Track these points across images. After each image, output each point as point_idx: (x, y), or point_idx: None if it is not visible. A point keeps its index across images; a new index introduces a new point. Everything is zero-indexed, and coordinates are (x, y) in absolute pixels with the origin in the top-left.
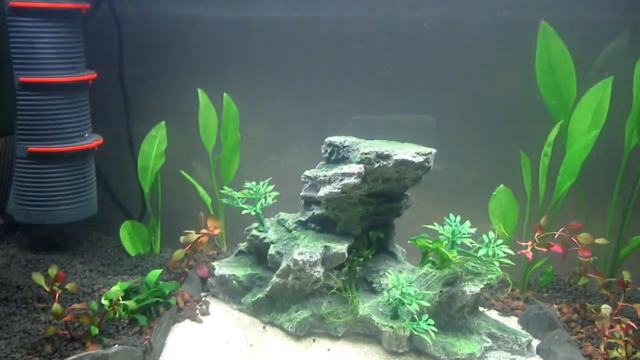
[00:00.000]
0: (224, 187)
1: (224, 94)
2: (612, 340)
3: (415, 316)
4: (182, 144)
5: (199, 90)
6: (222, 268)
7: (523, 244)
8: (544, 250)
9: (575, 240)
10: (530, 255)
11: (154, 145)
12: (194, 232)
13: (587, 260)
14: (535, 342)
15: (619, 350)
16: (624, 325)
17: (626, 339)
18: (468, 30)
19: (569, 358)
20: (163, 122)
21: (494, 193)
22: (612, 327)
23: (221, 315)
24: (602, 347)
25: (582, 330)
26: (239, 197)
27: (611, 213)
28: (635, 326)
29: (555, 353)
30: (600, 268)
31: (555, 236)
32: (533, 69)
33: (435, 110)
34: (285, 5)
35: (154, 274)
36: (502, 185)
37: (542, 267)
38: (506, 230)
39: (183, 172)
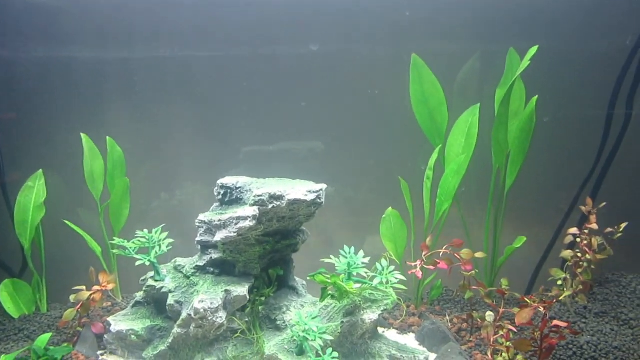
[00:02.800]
0: (115, 238)
1: (107, 138)
2: (499, 347)
3: (320, 351)
4: (66, 191)
5: (83, 135)
6: (119, 323)
7: (412, 264)
8: (432, 268)
9: (457, 256)
10: (420, 274)
11: (32, 197)
12: (84, 288)
13: (470, 273)
14: (432, 357)
15: (503, 354)
16: (505, 331)
17: (508, 344)
18: (351, 63)
19: None
20: (40, 171)
21: (384, 216)
22: (496, 333)
23: None
24: (489, 354)
25: (471, 339)
26: (131, 247)
27: (487, 227)
28: (515, 329)
29: None
30: (482, 278)
31: (441, 254)
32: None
33: (324, 137)
34: (170, 45)
35: (43, 339)
36: (390, 208)
37: (432, 281)
38: (397, 250)
39: (68, 222)
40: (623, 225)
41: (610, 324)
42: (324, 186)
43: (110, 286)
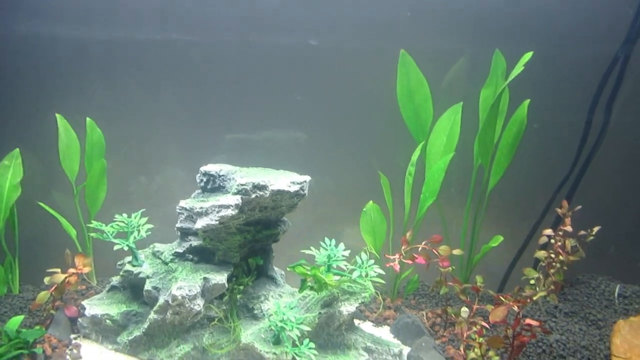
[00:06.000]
0: (92, 221)
1: (87, 119)
2: (471, 343)
3: (297, 341)
4: (42, 172)
5: (57, 116)
6: (94, 307)
7: (391, 257)
8: (410, 262)
9: (436, 252)
10: (397, 267)
11: (7, 176)
12: (59, 271)
13: (446, 270)
14: (406, 350)
15: (476, 350)
16: (479, 327)
17: (480, 340)
18: (339, 56)
19: None
20: (17, 150)
21: (364, 209)
22: (469, 329)
23: (95, 357)
24: (462, 349)
25: (445, 334)
26: (109, 231)
27: (465, 224)
28: (487, 326)
29: None
30: (458, 274)
31: (419, 249)
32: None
33: (308, 128)
34: (154, 28)
35: (15, 321)
36: (371, 202)
37: (409, 276)
38: (376, 244)
39: (42, 204)
40: (596, 229)
41: (579, 324)
42: (307, 178)
43: (86, 269)
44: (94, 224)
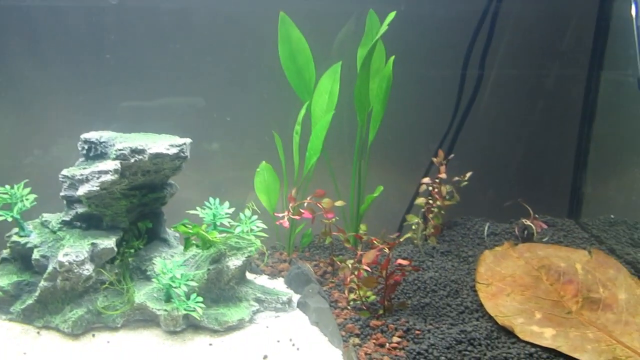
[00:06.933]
0: None
1: None
2: (352, 286)
3: (183, 297)
4: None
5: None
6: None
7: (279, 215)
8: (297, 218)
9: (319, 205)
10: (286, 224)
11: None
12: None
13: (331, 221)
14: (296, 298)
15: (357, 292)
16: (359, 272)
17: (359, 283)
18: (228, 20)
19: (318, 307)
20: None
21: (258, 169)
22: (352, 273)
23: None
24: (346, 292)
25: (333, 280)
26: None
27: (353, 178)
28: (369, 270)
29: (309, 305)
30: (347, 225)
31: (305, 204)
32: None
33: (205, 93)
34: None
35: None
36: (264, 162)
37: (303, 230)
38: (270, 202)
39: None
40: (468, 174)
41: (452, 262)
42: (188, 140)
43: None
44: None
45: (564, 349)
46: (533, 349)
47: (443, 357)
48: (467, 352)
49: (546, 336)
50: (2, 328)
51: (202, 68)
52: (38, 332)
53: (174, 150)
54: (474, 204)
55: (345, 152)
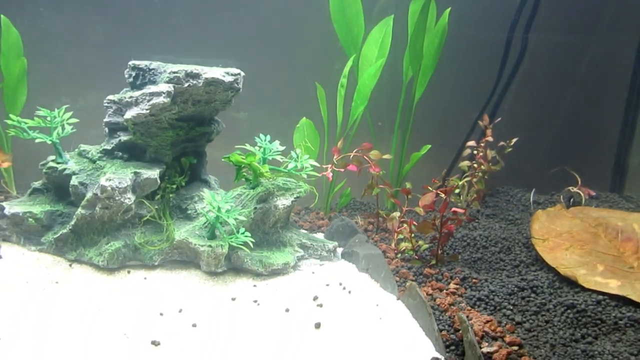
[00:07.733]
0: (11, 117)
1: (1, 16)
2: (401, 236)
3: (234, 229)
4: None
5: None
6: (14, 207)
7: (324, 166)
8: (342, 170)
9: (366, 158)
10: (330, 176)
11: None
12: None
13: (377, 174)
14: (340, 250)
15: (406, 242)
16: (409, 221)
17: (410, 233)
18: None
19: (369, 254)
20: None
21: (298, 125)
22: (400, 225)
23: (17, 258)
24: (393, 244)
25: (376, 236)
26: (29, 126)
27: (395, 135)
28: (415, 223)
29: (357, 252)
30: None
31: (351, 157)
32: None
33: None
34: None
35: None
36: (304, 118)
37: (342, 189)
38: (310, 157)
39: None
40: (514, 140)
41: (499, 223)
42: (241, 72)
43: (5, 164)
44: (14, 119)
45: (634, 297)
46: (600, 297)
47: (505, 303)
48: (531, 299)
49: (612, 286)
50: (32, 258)
51: (242, 28)
52: (70, 265)
53: (230, 79)
54: (512, 175)
55: (384, 111)
